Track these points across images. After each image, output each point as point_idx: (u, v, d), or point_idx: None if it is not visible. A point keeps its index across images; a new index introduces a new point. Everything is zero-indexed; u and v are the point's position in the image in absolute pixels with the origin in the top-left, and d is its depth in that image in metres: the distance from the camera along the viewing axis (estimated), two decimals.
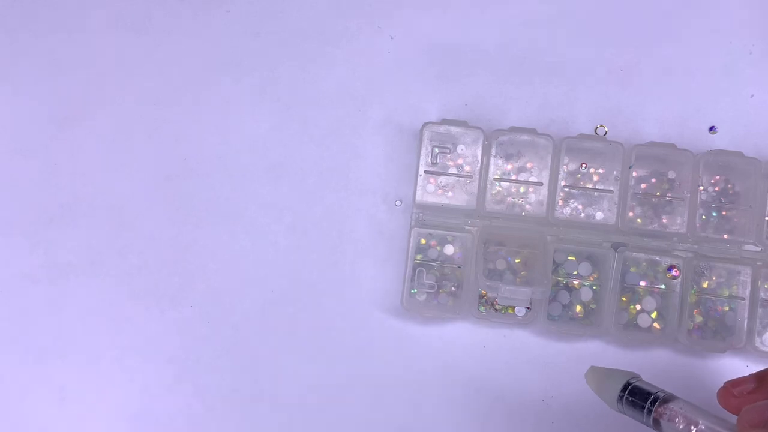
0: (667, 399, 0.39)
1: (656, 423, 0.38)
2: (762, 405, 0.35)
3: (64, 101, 0.52)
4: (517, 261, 0.49)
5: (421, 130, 0.49)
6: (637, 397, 0.39)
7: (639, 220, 0.49)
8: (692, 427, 0.37)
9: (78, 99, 0.52)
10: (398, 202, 0.51)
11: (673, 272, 0.48)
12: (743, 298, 0.48)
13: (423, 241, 0.49)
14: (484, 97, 0.52)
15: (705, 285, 0.48)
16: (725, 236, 0.48)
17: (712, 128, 0.51)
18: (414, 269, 0.49)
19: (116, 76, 0.52)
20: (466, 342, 0.50)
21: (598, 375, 0.42)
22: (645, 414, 0.39)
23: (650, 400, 0.39)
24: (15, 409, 0.50)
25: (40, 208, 0.51)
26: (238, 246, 0.51)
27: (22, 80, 0.52)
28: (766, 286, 0.48)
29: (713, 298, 0.48)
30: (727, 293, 0.48)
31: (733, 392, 0.37)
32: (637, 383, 0.40)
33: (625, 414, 0.40)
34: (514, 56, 0.52)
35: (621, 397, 0.40)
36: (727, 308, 0.48)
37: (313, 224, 0.51)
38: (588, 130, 0.51)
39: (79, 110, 0.52)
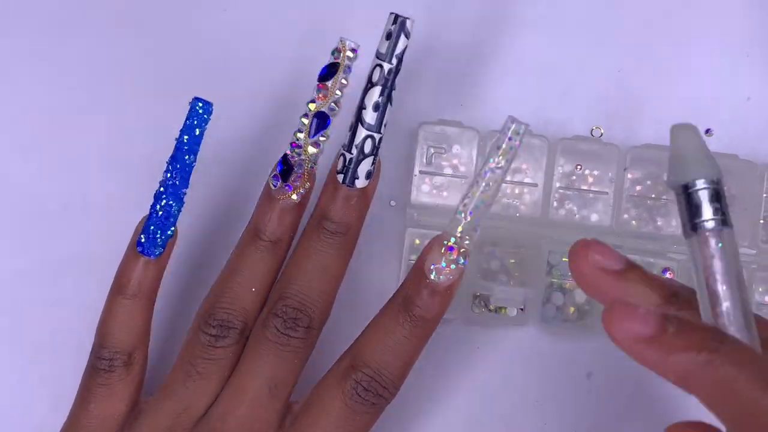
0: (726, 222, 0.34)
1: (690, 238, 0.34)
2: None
3: (60, 100, 0.52)
4: (511, 262, 0.49)
5: (417, 130, 0.49)
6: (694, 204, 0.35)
7: (634, 222, 0.49)
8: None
9: (74, 98, 0.52)
10: (393, 202, 0.51)
11: (668, 275, 0.48)
12: None
13: (417, 241, 0.49)
14: (480, 97, 0.52)
15: None
16: None
17: (708, 131, 0.51)
18: (408, 270, 0.48)
19: (112, 75, 0.52)
20: (460, 342, 0.50)
21: (690, 140, 0.36)
22: (688, 221, 0.35)
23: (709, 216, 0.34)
24: (7, 407, 0.50)
25: (35, 205, 0.52)
26: (233, 246, 0.51)
27: (18, 79, 0.52)
28: (760, 290, 0.48)
29: None
30: None
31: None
32: (714, 187, 0.35)
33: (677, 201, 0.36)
34: (511, 56, 0.52)
35: (685, 187, 0.35)
36: None
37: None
38: (584, 130, 0.51)
39: (75, 109, 0.52)
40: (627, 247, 0.48)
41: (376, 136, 0.41)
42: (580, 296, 0.48)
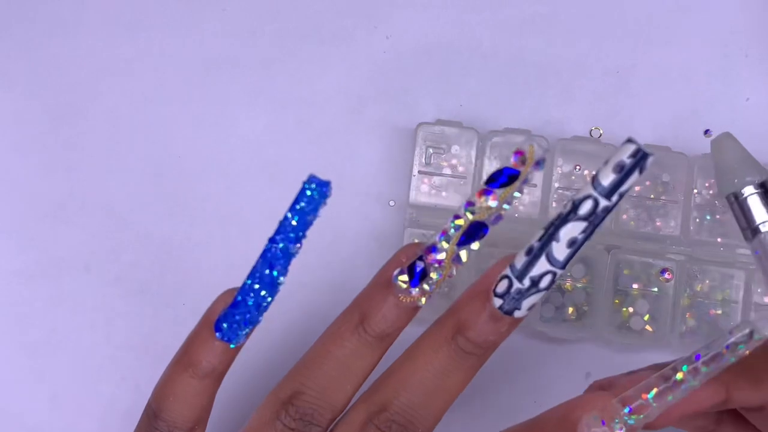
0: None
1: (752, 241, 0.35)
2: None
3: (59, 98, 0.52)
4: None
5: (416, 130, 0.49)
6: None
7: (632, 222, 0.49)
8: None
9: (73, 96, 0.52)
10: (392, 202, 0.51)
11: (666, 275, 0.48)
12: (736, 302, 0.48)
13: (416, 241, 0.49)
14: (480, 97, 0.52)
15: (698, 288, 0.48)
16: (719, 240, 0.48)
17: (707, 131, 0.51)
18: None
19: (111, 73, 0.52)
20: None
21: (730, 149, 0.37)
22: (747, 227, 0.35)
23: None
24: (5, 405, 0.50)
25: (35, 204, 0.51)
26: (232, 245, 0.51)
27: (17, 77, 0.52)
28: (758, 290, 0.48)
29: (706, 301, 0.48)
30: (720, 297, 0.48)
31: None
32: (761, 190, 0.36)
33: (730, 209, 0.36)
34: (510, 56, 0.52)
35: (735, 196, 0.36)
36: (719, 312, 0.48)
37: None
38: (583, 131, 0.51)
39: (73, 108, 0.52)
40: (626, 248, 0.48)
41: (558, 272, 0.32)
42: (578, 296, 0.48)
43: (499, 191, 0.32)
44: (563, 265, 0.32)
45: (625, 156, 0.30)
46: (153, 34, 0.52)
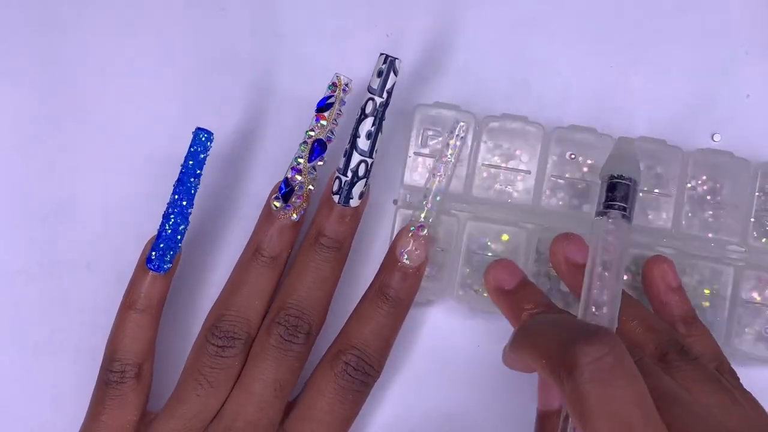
0: None
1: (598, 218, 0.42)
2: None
3: (60, 98, 0.52)
4: (503, 239, 0.48)
5: (414, 111, 0.49)
6: None
7: None
8: None
9: (74, 96, 0.52)
10: (395, 201, 0.50)
11: None
12: (724, 298, 0.48)
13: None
14: (479, 95, 0.51)
15: (686, 282, 0.48)
16: (710, 235, 0.48)
17: (714, 135, 0.51)
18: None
19: (111, 73, 0.52)
20: (459, 339, 0.50)
21: (629, 147, 0.44)
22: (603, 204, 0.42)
23: None
24: (7, 405, 0.50)
25: (36, 204, 0.51)
26: (233, 243, 0.50)
27: (18, 77, 0.52)
28: (747, 287, 0.48)
29: (694, 295, 0.48)
30: (708, 292, 0.48)
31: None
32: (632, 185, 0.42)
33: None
34: (509, 54, 0.52)
35: (611, 177, 0.42)
36: (707, 304, 0.48)
37: (308, 225, 0.51)
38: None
39: (74, 107, 0.52)
40: None
41: (369, 160, 0.45)
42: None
43: (326, 113, 0.45)
44: (369, 154, 0.45)
45: (380, 65, 0.44)
46: (153, 34, 0.52)
